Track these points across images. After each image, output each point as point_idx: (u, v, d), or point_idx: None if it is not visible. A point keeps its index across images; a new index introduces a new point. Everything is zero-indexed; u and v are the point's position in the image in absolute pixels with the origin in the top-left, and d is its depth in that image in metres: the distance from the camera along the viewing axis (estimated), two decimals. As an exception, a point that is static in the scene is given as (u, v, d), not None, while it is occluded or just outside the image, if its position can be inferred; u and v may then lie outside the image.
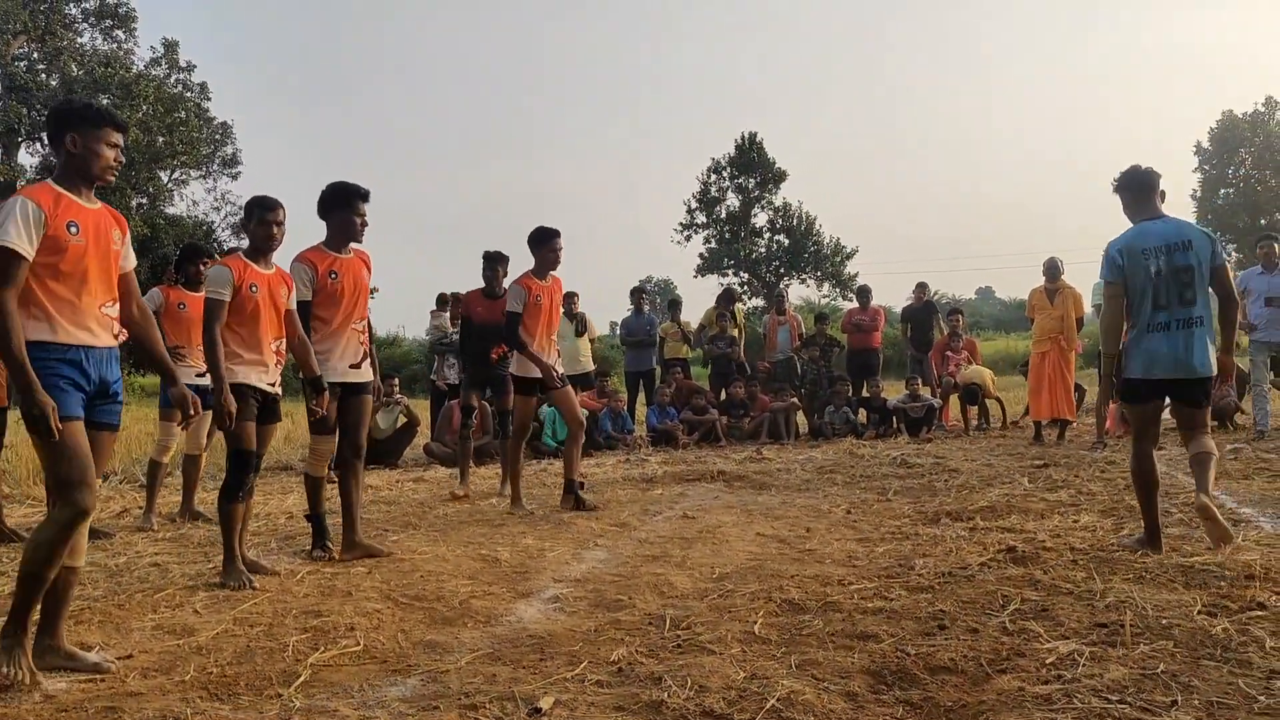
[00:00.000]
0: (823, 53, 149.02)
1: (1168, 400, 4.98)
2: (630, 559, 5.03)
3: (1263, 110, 50.61)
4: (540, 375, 6.74)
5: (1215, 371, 4.74)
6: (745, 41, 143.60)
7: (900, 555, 4.85)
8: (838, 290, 44.47)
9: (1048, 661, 3.08)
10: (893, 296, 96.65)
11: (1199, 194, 51.96)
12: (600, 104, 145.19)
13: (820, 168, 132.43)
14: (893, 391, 13.17)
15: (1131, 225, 4.91)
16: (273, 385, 4.79)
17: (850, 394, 12.41)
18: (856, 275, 44.13)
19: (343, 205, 5.16)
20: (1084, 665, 3.03)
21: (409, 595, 4.31)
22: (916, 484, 7.46)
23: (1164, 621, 3.44)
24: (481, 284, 8.01)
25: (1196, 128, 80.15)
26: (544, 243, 6.82)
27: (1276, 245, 10.22)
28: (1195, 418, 4.88)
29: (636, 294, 13.22)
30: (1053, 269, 10.29)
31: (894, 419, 11.95)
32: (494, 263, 7.92)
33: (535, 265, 6.82)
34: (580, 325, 10.62)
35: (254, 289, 4.62)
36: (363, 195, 5.18)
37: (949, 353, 12.21)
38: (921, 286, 14.52)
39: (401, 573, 4.79)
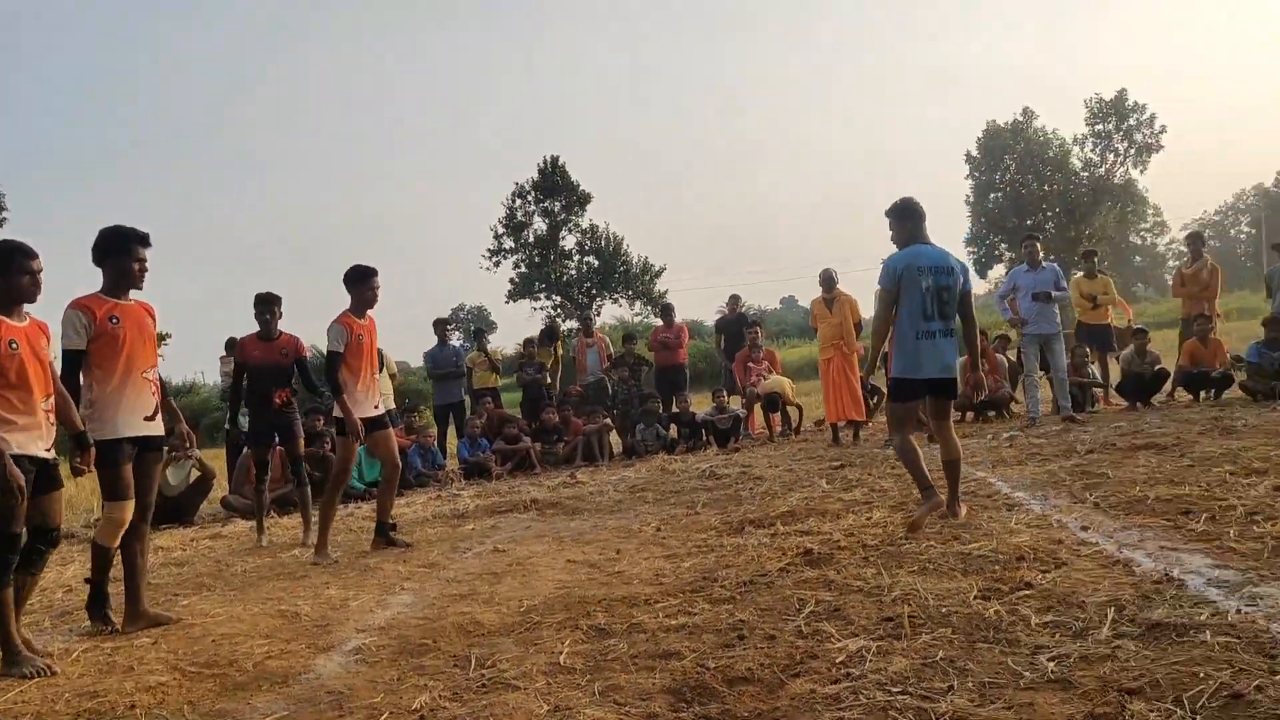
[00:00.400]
0: (624, 70, 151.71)
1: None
2: (437, 600, 4.92)
3: (1021, 120, 54.96)
4: (369, 415, 6.59)
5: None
6: (542, 64, 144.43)
7: (705, 568, 4.94)
8: (650, 308, 45.23)
9: (838, 661, 3.20)
10: (703, 310, 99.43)
11: (971, 199, 55.86)
12: (404, 125, 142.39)
13: (625, 188, 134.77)
14: (703, 404, 13.47)
15: (899, 247, 5.65)
16: (49, 450, 4.37)
17: (661, 410, 12.62)
18: (666, 293, 45.06)
19: (119, 251, 4.79)
20: (870, 660, 3.17)
21: (198, 663, 4.06)
22: (723, 495, 7.64)
23: (944, 610, 3.64)
24: (257, 327, 7.74)
25: (966, 138, 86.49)
26: (362, 281, 6.67)
27: (1039, 244, 11.11)
28: (946, 408, 5.82)
29: (440, 325, 13.04)
30: (828, 279, 10.77)
31: (703, 432, 12.22)
32: (267, 305, 7.68)
33: (353, 304, 6.66)
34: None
35: (14, 345, 4.17)
36: (141, 239, 4.83)
37: (750, 364, 12.60)
38: (734, 299, 15.01)
39: (191, 639, 4.51)
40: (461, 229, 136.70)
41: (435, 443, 11.82)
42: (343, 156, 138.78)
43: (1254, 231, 78.00)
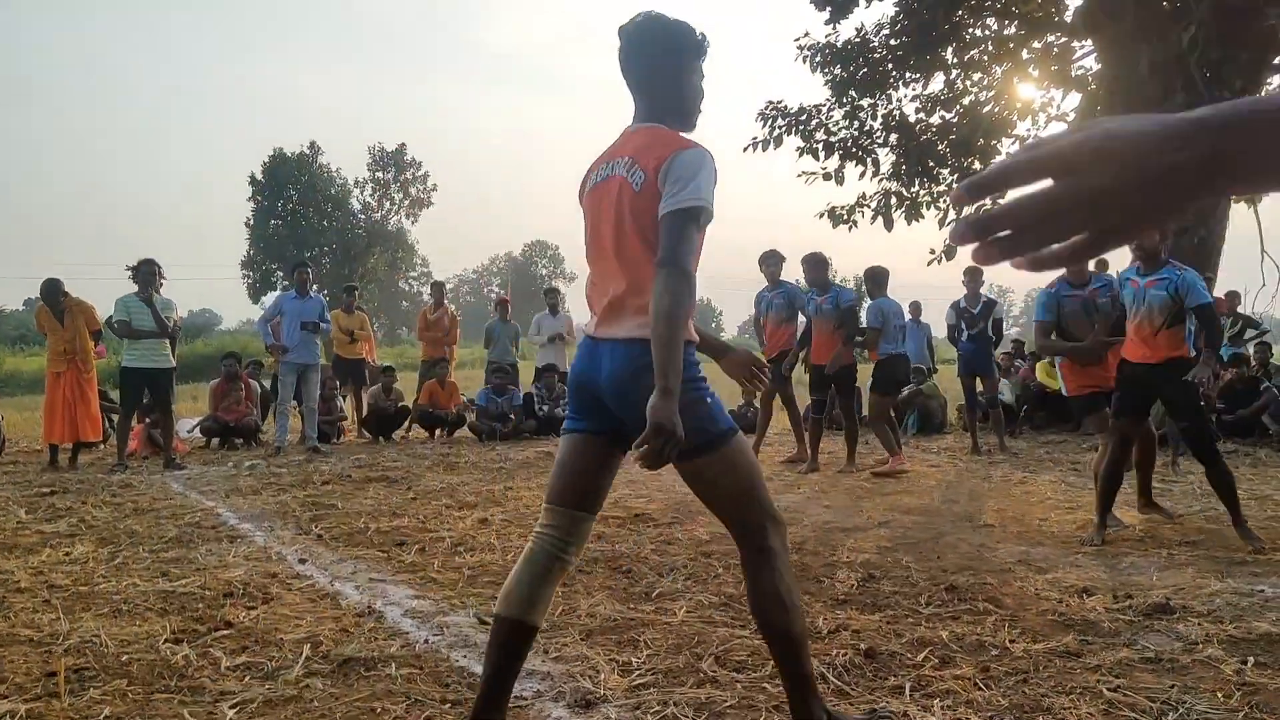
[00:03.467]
0: None
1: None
2: None
3: (309, 153, 55.82)
4: None
5: None
6: None
7: None
8: None
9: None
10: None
11: (252, 223, 54.96)
12: None
13: None
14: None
15: None
16: None
17: None
18: None
19: None
20: (14, 729, 2.62)
21: None
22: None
23: (125, 658, 3.21)
24: None
25: (252, 161, 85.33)
26: None
27: (309, 275, 11.05)
28: None
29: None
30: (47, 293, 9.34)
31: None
32: None
33: None
34: None
35: None
36: None
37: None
38: None
39: None
40: None
41: None
42: None
43: (500, 291, 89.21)
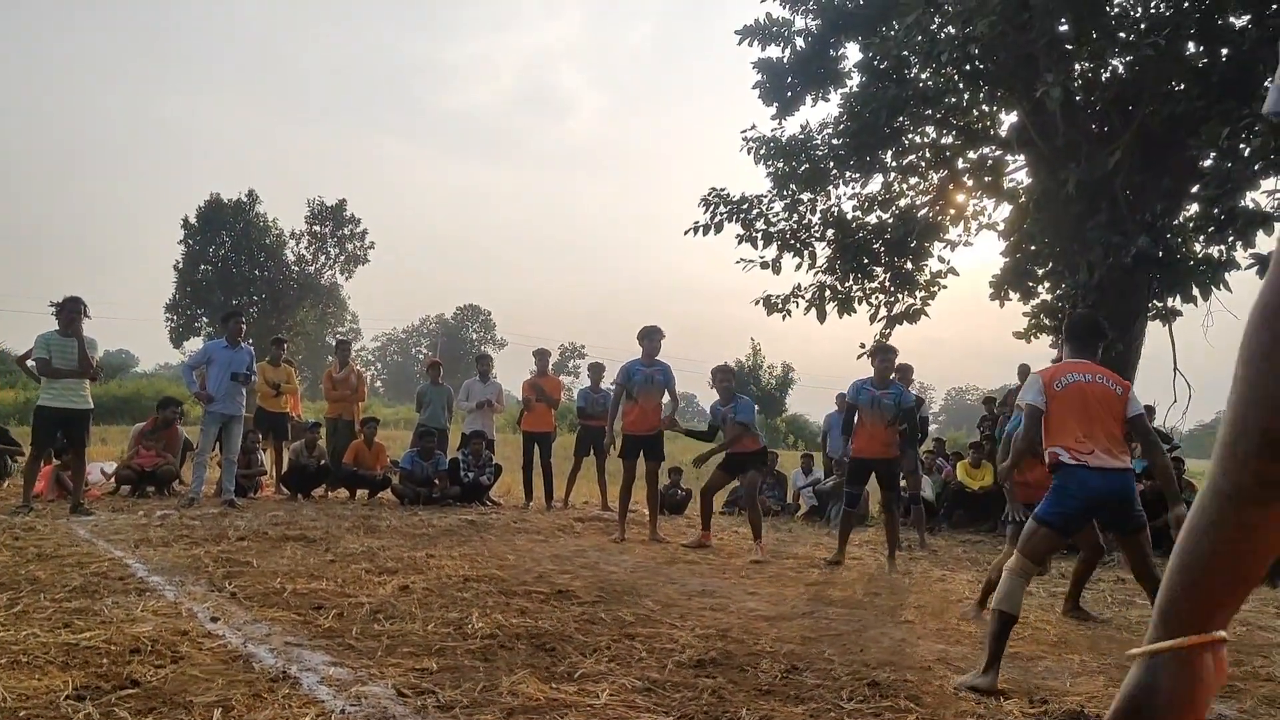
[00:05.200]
0: None
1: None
2: None
3: (246, 200, 55.12)
4: None
5: None
6: None
7: None
8: None
9: None
10: None
11: (181, 266, 53.85)
12: None
13: None
14: None
15: None
16: None
17: None
18: None
19: None
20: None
21: None
22: None
23: (23, 713, 3.06)
24: None
25: (186, 204, 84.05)
26: None
27: (244, 323, 10.83)
28: None
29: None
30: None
31: None
32: None
33: None
34: None
35: None
36: None
37: None
38: None
39: None
40: None
41: None
42: None
43: (429, 352, 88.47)
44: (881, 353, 8.62)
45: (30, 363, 8.83)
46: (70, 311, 8.80)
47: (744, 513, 10.84)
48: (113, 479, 11.07)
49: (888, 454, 8.29)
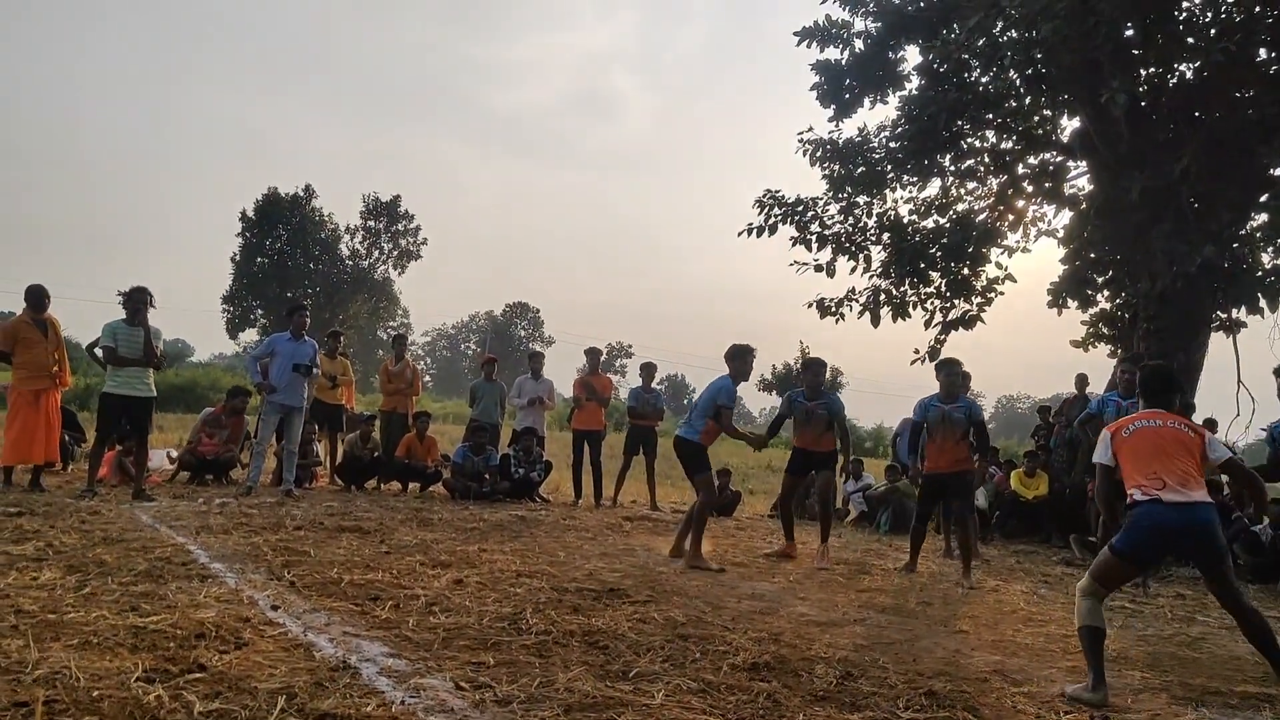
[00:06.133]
0: None
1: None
2: None
3: (303, 195, 56.02)
4: None
5: None
6: None
7: None
8: None
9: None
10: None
11: (239, 259, 54.87)
12: None
13: None
14: None
15: None
16: None
17: None
18: None
19: None
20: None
21: None
22: None
23: (96, 693, 3.14)
24: None
25: (245, 198, 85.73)
26: None
27: (308, 317, 10.93)
28: None
29: None
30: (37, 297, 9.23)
31: None
32: None
33: None
34: None
35: None
36: None
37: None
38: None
39: None
40: None
41: None
42: None
43: (479, 349, 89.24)
44: (947, 367, 8.36)
45: (97, 350, 9.04)
46: (137, 301, 9.00)
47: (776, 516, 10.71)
48: (175, 464, 11.31)
49: (960, 468, 8.14)
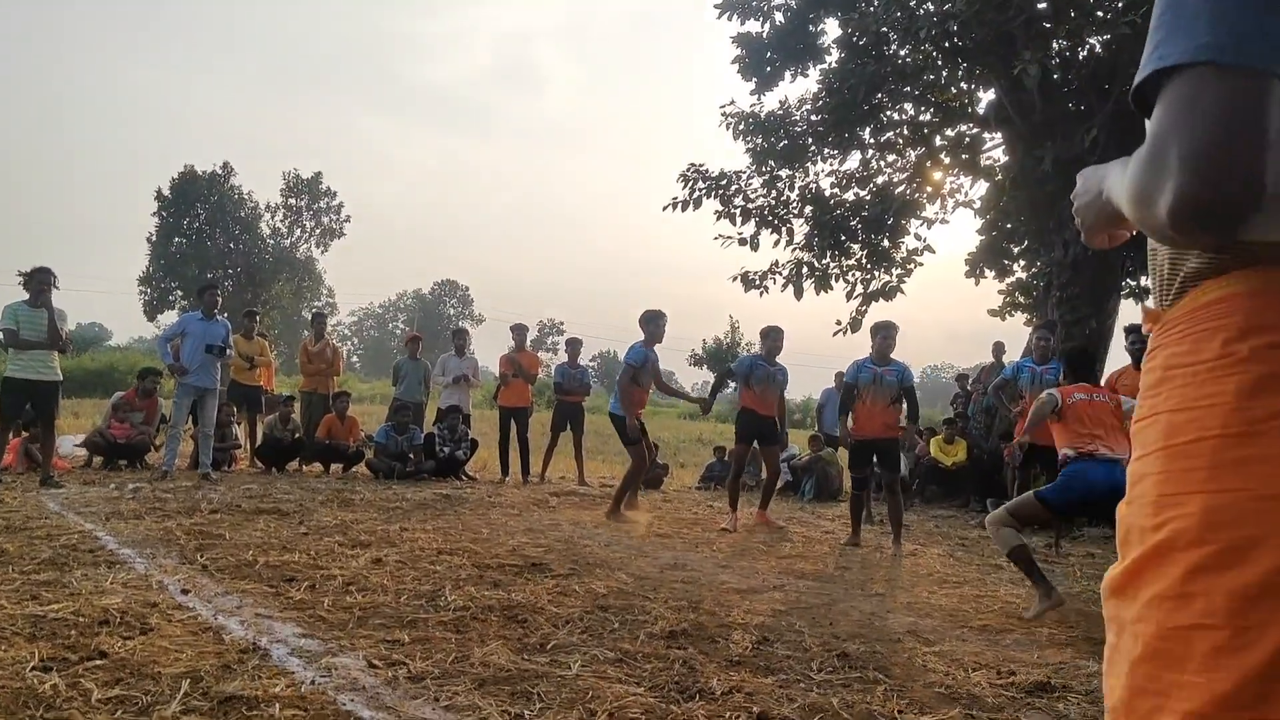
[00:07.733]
0: None
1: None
2: None
3: (220, 172, 54.55)
4: None
5: None
6: None
7: None
8: None
9: None
10: None
11: (155, 239, 53.30)
12: None
13: None
14: None
15: None
16: None
17: None
18: None
19: None
20: None
21: None
22: None
23: (-12, 684, 3.04)
24: None
25: (159, 175, 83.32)
26: None
27: (219, 295, 10.65)
28: None
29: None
30: None
31: None
32: None
33: None
34: None
35: None
36: None
37: None
38: None
39: None
40: None
41: None
42: None
43: (406, 328, 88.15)
44: (883, 329, 8.31)
45: (-6, 333, 8.71)
46: (40, 282, 8.69)
47: (720, 488, 11.07)
48: (77, 447, 10.99)
49: (890, 433, 8.18)
